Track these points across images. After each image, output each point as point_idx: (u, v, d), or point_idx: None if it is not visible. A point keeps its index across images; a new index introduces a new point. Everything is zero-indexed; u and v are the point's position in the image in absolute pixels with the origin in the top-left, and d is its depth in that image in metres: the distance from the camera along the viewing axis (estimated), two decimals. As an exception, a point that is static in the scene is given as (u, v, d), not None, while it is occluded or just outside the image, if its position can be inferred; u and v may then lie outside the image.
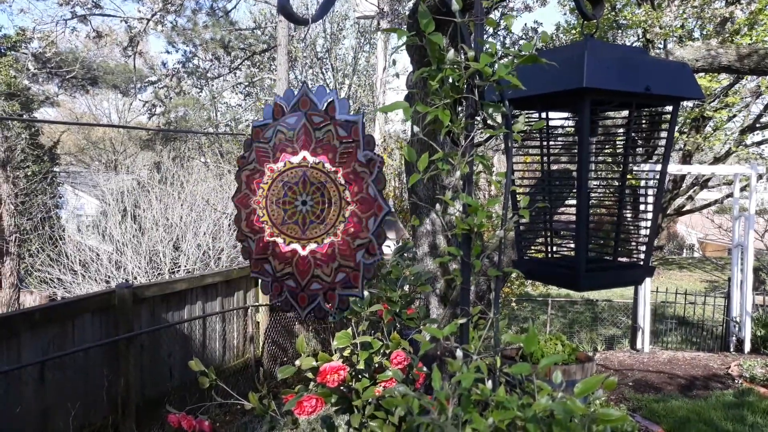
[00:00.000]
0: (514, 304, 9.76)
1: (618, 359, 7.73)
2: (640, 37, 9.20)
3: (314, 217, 1.53)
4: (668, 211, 11.38)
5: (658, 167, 1.64)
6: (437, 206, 3.66)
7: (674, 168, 8.89)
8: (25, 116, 13.72)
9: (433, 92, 1.36)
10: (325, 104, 1.53)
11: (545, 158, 1.76)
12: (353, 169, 1.47)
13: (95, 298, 4.90)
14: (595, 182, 1.76)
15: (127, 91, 21.55)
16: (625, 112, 1.63)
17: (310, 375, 1.68)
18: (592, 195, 1.67)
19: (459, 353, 1.22)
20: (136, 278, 9.16)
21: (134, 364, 5.04)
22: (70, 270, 9.65)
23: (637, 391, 6.25)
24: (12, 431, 4.03)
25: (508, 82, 1.32)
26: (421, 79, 3.46)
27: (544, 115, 1.73)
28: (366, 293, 1.59)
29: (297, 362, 1.67)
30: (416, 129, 1.46)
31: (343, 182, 1.48)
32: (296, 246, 1.56)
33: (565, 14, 11.10)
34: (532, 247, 1.87)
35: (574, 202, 1.54)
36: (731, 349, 7.97)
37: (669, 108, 1.63)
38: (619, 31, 9.73)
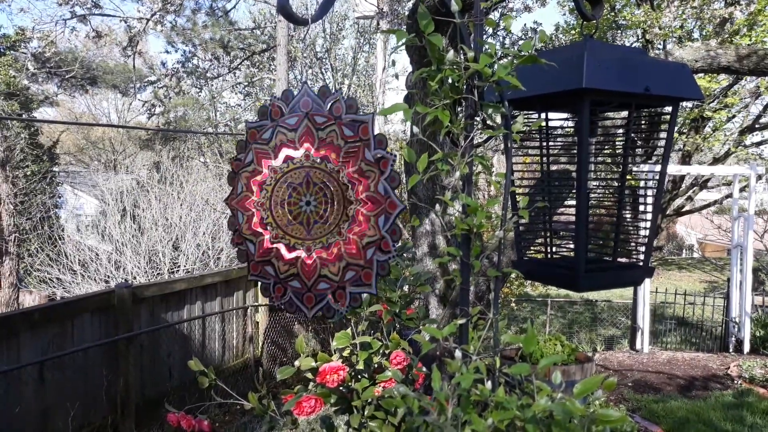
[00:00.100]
0: (513, 304, 9.76)
1: (617, 360, 7.74)
2: (640, 37, 9.21)
3: (318, 217, 1.53)
4: (668, 212, 11.39)
5: (658, 168, 1.64)
6: (437, 206, 3.66)
7: (674, 168, 8.89)
8: (24, 116, 13.72)
9: (432, 93, 1.37)
10: (330, 104, 1.52)
11: (545, 159, 1.76)
12: (359, 168, 1.46)
13: (95, 298, 4.90)
14: (594, 183, 1.76)
15: (126, 91, 21.54)
16: (625, 113, 1.63)
17: (309, 375, 1.68)
18: (592, 195, 1.67)
19: (458, 354, 1.22)
20: (135, 278, 9.16)
21: (134, 364, 5.04)
22: (70, 270, 9.65)
23: (637, 392, 6.26)
24: (12, 431, 4.03)
25: (508, 82, 1.32)
26: (420, 80, 3.47)
27: (543, 115, 1.73)
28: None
29: (296, 362, 1.67)
30: (416, 129, 1.46)
31: (346, 181, 1.48)
32: (301, 247, 1.56)
33: (564, 15, 11.11)
34: (532, 248, 1.87)
35: (573, 202, 1.54)
36: (730, 350, 7.97)
37: (668, 108, 1.63)
38: (619, 31, 9.74)
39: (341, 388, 1.67)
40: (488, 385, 1.16)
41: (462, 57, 1.34)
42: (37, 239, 12.25)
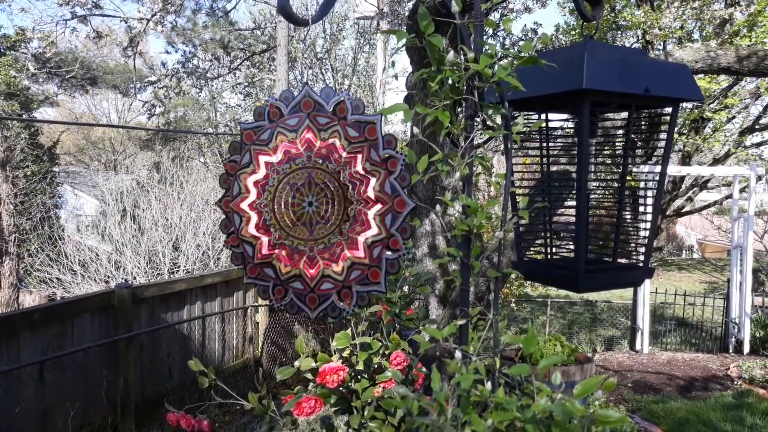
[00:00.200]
0: (513, 305, 9.76)
1: (617, 360, 7.74)
2: (640, 38, 9.21)
3: (319, 218, 1.53)
4: (667, 213, 11.38)
5: (658, 168, 1.64)
6: (437, 207, 3.67)
7: (673, 169, 8.89)
8: (24, 116, 13.72)
9: (432, 93, 1.37)
10: (333, 105, 1.52)
11: (545, 159, 1.76)
12: (362, 168, 1.47)
13: (95, 298, 4.90)
14: (594, 183, 1.76)
15: (126, 91, 21.54)
16: (625, 114, 1.63)
17: (309, 376, 1.68)
18: (592, 196, 1.67)
19: (458, 354, 1.22)
20: (135, 278, 9.16)
21: (134, 364, 5.04)
22: (70, 270, 9.65)
23: (637, 392, 6.26)
24: (12, 431, 4.03)
25: (508, 83, 1.32)
26: (420, 81, 3.47)
27: (543, 116, 1.73)
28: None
29: (296, 363, 1.67)
30: (416, 130, 1.47)
31: (347, 182, 1.48)
32: (304, 247, 1.56)
33: (564, 15, 11.10)
34: (532, 248, 1.87)
35: (573, 203, 1.54)
36: (730, 351, 7.97)
37: (668, 109, 1.64)
38: (619, 32, 9.73)
39: (341, 388, 1.67)
40: (488, 385, 1.16)
41: (462, 58, 1.34)
42: (37, 239, 12.25)
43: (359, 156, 1.47)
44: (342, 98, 1.51)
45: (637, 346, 8.19)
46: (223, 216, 1.73)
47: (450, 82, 1.36)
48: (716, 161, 11.33)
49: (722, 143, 10.92)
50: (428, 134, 1.49)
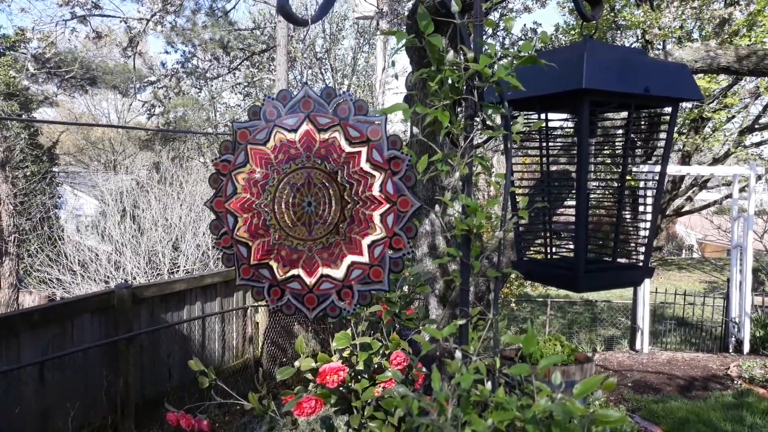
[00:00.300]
0: (513, 304, 9.77)
1: (617, 360, 7.74)
2: (639, 38, 9.21)
3: (317, 218, 1.53)
4: (667, 212, 11.39)
5: (657, 168, 1.64)
6: (436, 207, 3.67)
7: (673, 169, 8.89)
8: (24, 116, 13.72)
9: (432, 93, 1.37)
10: (335, 106, 1.52)
11: (544, 159, 1.76)
12: (361, 168, 1.47)
13: (94, 299, 4.90)
14: (594, 183, 1.76)
15: (126, 92, 21.53)
16: (624, 113, 1.63)
17: (309, 376, 1.68)
18: (591, 196, 1.67)
19: (458, 354, 1.22)
20: (135, 278, 9.16)
21: (134, 364, 5.04)
22: (69, 270, 9.65)
23: (637, 392, 6.26)
24: (12, 431, 4.03)
25: (508, 83, 1.32)
26: (420, 80, 3.47)
27: (543, 116, 1.73)
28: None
29: (296, 363, 1.67)
30: (416, 130, 1.47)
31: (345, 182, 1.48)
32: (303, 248, 1.56)
33: (564, 15, 11.11)
34: (532, 248, 1.87)
35: (573, 203, 1.54)
36: (730, 350, 7.97)
37: (668, 109, 1.64)
38: (618, 31, 9.73)
39: (341, 388, 1.67)
40: (488, 385, 1.16)
41: (462, 57, 1.34)
42: (37, 240, 12.24)
43: (358, 156, 1.47)
44: (344, 99, 1.51)
45: (637, 346, 8.19)
46: (214, 217, 1.70)
47: (450, 81, 1.36)
48: (716, 161, 11.33)
49: (722, 143, 10.93)
50: (428, 134, 1.49)
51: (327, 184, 1.51)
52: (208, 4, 13.52)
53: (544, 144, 1.75)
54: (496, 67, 1.33)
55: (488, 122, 1.42)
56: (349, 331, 1.71)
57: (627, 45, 9.63)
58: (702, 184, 11.57)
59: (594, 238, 1.79)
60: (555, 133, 1.78)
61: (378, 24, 10.53)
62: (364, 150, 1.46)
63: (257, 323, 6.92)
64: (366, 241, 1.47)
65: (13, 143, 12.63)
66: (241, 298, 6.78)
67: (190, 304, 5.96)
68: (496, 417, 1.07)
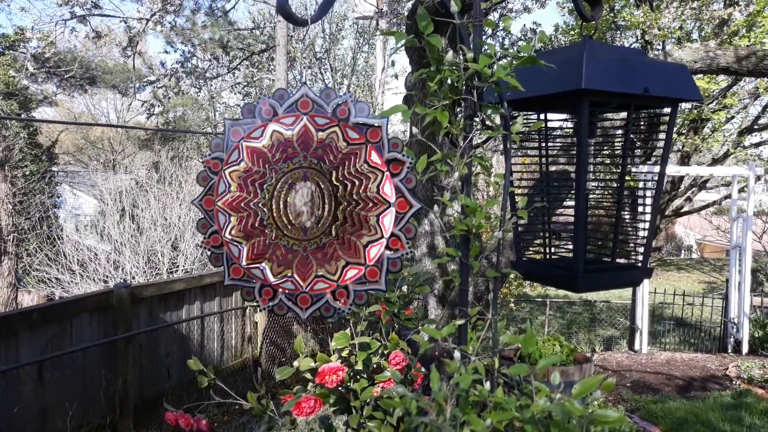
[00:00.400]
0: (512, 304, 9.76)
1: (616, 360, 7.74)
2: (639, 38, 9.21)
3: (312, 218, 1.53)
4: (666, 213, 11.39)
5: (657, 168, 1.64)
6: (435, 207, 3.67)
7: (672, 169, 8.90)
8: (23, 116, 13.71)
9: (431, 93, 1.37)
10: (334, 107, 1.52)
11: (544, 159, 1.76)
12: (357, 169, 1.47)
13: (93, 298, 4.90)
14: (593, 183, 1.77)
15: (125, 91, 21.52)
16: (624, 114, 1.64)
17: (308, 376, 1.68)
18: (591, 196, 1.67)
19: (457, 354, 1.22)
20: (134, 278, 9.15)
21: (132, 363, 5.03)
22: (68, 269, 9.65)
23: (635, 392, 6.26)
24: (11, 431, 4.03)
25: (507, 83, 1.32)
26: (419, 81, 3.47)
27: (542, 116, 1.73)
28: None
29: (295, 363, 1.67)
30: (415, 130, 1.47)
31: (339, 183, 1.48)
32: (298, 247, 1.55)
33: (563, 15, 11.11)
34: (531, 248, 1.87)
35: (572, 203, 1.54)
36: (729, 351, 7.98)
37: (667, 109, 1.64)
38: (618, 32, 9.73)
39: (340, 388, 1.67)
40: (487, 385, 1.16)
41: (461, 58, 1.34)
42: (36, 239, 12.24)
43: (355, 157, 1.47)
44: (344, 100, 1.50)
45: (636, 346, 8.20)
46: (202, 216, 1.64)
47: (449, 82, 1.36)
48: (715, 161, 11.34)
49: (721, 143, 10.94)
50: (427, 134, 1.49)
51: (321, 184, 1.51)
52: (208, 3, 13.52)
53: (544, 144, 1.75)
54: (495, 67, 1.33)
55: (487, 122, 1.42)
56: (348, 330, 1.71)
57: (626, 45, 9.64)
58: (701, 184, 11.58)
59: (593, 239, 1.79)
60: (554, 133, 1.78)
61: (377, 24, 10.53)
62: (361, 151, 1.46)
63: (256, 323, 6.92)
64: (361, 242, 1.47)
65: (13, 142, 12.62)
66: (239, 297, 6.78)
67: (189, 304, 5.96)
68: (495, 417, 1.07)
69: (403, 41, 1.37)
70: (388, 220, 1.45)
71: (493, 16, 7.80)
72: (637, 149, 1.78)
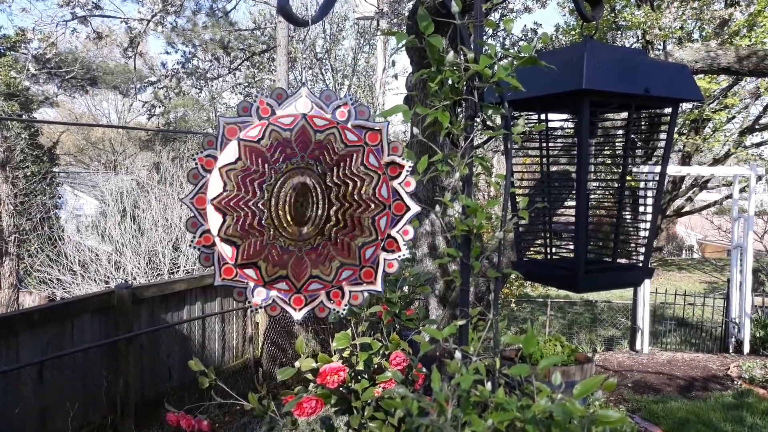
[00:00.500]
0: (513, 305, 9.77)
1: (617, 360, 7.74)
2: (640, 38, 9.21)
3: (306, 218, 1.53)
4: (667, 213, 11.37)
5: (658, 168, 1.64)
6: (436, 207, 3.67)
7: (673, 169, 8.89)
8: (24, 116, 13.72)
9: (432, 94, 1.37)
10: (333, 108, 1.52)
11: (545, 159, 1.76)
12: (352, 171, 1.47)
13: (94, 299, 4.90)
14: (594, 183, 1.77)
15: (126, 92, 21.54)
16: (625, 114, 1.64)
17: (309, 376, 1.68)
18: (592, 196, 1.67)
19: (458, 354, 1.22)
20: (135, 279, 9.16)
21: (133, 364, 5.04)
22: (70, 270, 9.65)
23: (637, 392, 6.25)
24: (11, 431, 4.03)
25: (508, 83, 1.32)
26: (420, 81, 3.47)
27: (543, 116, 1.73)
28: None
29: (296, 363, 1.67)
30: (416, 131, 1.47)
31: (332, 184, 1.48)
32: (294, 248, 1.55)
33: (564, 15, 11.09)
34: (532, 249, 1.87)
35: (573, 203, 1.54)
36: (730, 351, 7.97)
37: (668, 109, 1.64)
38: (619, 32, 9.73)
39: (341, 388, 1.67)
40: (488, 385, 1.16)
41: (462, 58, 1.34)
42: (37, 240, 12.25)
43: (351, 159, 1.47)
44: (345, 102, 1.50)
45: (637, 346, 8.19)
46: (192, 214, 1.62)
47: (450, 82, 1.36)
48: (716, 161, 11.33)
49: (722, 143, 10.92)
50: (428, 135, 1.49)
51: (317, 185, 1.51)
52: (209, 4, 13.53)
53: (545, 144, 1.75)
54: (496, 67, 1.33)
55: (488, 123, 1.42)
56: (349, 331, 1.71)
57: (627, 45, 9.63)
58: (702, 184, 11.56)
59: (594, 239, 1.79)
60: (555, 133, 1.78)
61: (378, 24, 10.54)
62: (358, 153, 1.47)
63: (257, 323, 6.92)
64: (356, 243, 1.48)
65: (14, 143, 12.63)
66: (241, 298, 6.77)
67: (190, 305, 5.96)
68: (496, 417, 1.07)
69: (403, 42, 1.37)
70: (383, 222, 1.45)
71: (494, 17, 7.80)
72: (638, 149, 1.78)
